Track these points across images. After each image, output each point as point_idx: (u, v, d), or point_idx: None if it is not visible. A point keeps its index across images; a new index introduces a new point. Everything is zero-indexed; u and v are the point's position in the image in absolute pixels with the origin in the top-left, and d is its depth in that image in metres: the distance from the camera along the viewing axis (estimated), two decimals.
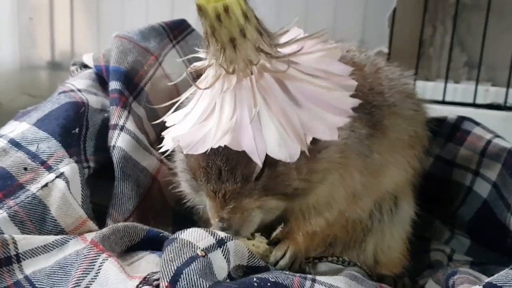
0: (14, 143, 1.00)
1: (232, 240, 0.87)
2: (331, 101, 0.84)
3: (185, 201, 1.07)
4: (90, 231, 0.95)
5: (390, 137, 1.02)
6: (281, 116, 0.82)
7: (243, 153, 0.81)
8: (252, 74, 0.82)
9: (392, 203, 1.10)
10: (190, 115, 0.87)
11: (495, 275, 0.79)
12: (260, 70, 0.83)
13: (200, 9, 0.79)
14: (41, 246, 0.88)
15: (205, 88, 0.84)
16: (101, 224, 1.02)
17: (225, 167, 0.85)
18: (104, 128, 1.14)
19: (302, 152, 0.81)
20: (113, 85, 1.19)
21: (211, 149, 0.82)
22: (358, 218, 1.07)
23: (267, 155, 0.81)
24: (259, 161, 0.81)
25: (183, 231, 0.87)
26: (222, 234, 0.87)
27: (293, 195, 0.90)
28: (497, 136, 1.25)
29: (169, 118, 0.91)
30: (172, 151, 1.00)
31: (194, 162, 0.88)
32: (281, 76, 0.83)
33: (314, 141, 0.83)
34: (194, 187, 0.95)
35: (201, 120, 0.84)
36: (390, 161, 1.03)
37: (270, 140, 0.81)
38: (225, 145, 0.81)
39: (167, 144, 0.89)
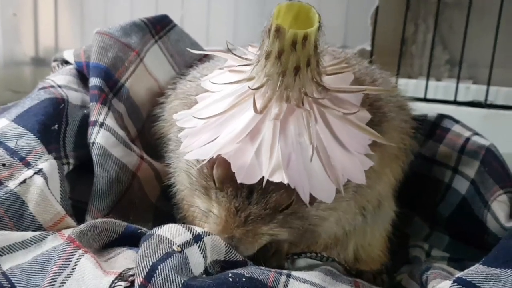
0: None
1: (209, 235, 0.88)
2: (360, 140, 0.84)
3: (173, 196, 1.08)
4: (69, 227, 0.94)
5: (385, 154, 1.01)
6: (323, 154, 0.80)
7: (281, 183, 0.79)
8: (303, 105, 0.80)
9: (375, 205, 1.11)
10: (216, 125, 0.83)
11: (465, 270, 0.80)
12: (311, 102, 0.81)
13: (278, 30, 0.77)
14: (19, 242, 0.88)
15: (260, 112, 0.79)
16: (80, 220, 1.02)
17: (259, 189, 0.82)
18: (84, 124, 1.14)
19: None
20: (93, 81, 1.19)
21: None
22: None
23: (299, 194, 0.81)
24: (307, 199, 0.79)
25: (160, 227, 0.87)
26: (199, 230, 0.88)
27: (304, 230, 0.89)
28: (476, 133, 1.26)
29: (179, 116, 0.89)
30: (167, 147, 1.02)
31: (224, 171, 0.83)
32: (325, 111, 0.82)
33: None
34: (197, 187, 0.90)
35: (239, 138, 0.80)
36: (379, 176, 1.03)
37: (313, 175, 0.80)
38: None
39: (195, 154, 0.84)
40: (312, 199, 0.83)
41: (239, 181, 0.79)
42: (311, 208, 0.86)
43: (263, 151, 0.79)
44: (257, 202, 0.83)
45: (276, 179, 0.78)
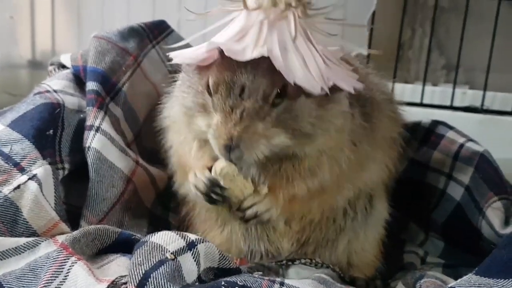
0: None
1: (202, 242, 0.88)
2: (345, 70, 0.95)
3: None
4: (63, 233, 0.94)
5: (377, 134, 1.05)
6: (307, 57, 0.89)
7: (268, 75, 0.87)
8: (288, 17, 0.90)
9: (367, 201, 1.12)
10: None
11: (459, 280, 0.80)
12: (295, 16, 0.90)
13: None
14: (12, 248, 0.88)
15: (250, 8, 0.90)
16: (75, 225, 1.02)
17: (250, 84, 0.88)
18: (80, 129, 1.15)
19: (315, 99, 0.91)
20: (90, 85, 1.19)
21: (239, 64, 0.88)
22: (332, 216, 1.08)
23: (289, 88, 0.89)
24: (290, 79, 0.86)
25: (153, 234, 0.87)
26: (192, 237, 0.88)
27: (299, 136, 0.92)
28: (470, 140, 1.27)
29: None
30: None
31: (218, 75, 0.90)
32: (310, 33, 0.92)
33: (327, 93, 0.91)
34: (195, 107, 0.95)
35: (237, 38, 0.89)
36: (373, 157, 1.06)
37: (296, 70, 0.88)
38: (251, 66, 0.87)
39: (187, 57, 0.94)
40: (299, 90, 0.90)
41: (226, 54, 0.86)
42: (305, 110, 0.91)
43: (249, 41, 0.88)
44: (249, 96, 0.88)
45: (259, 54, 0.86)
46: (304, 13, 0.91)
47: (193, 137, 1.01)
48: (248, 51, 0.87)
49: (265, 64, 0.88)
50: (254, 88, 0.88)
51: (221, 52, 0.90)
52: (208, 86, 0.92)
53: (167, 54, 0.99)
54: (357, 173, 1.04)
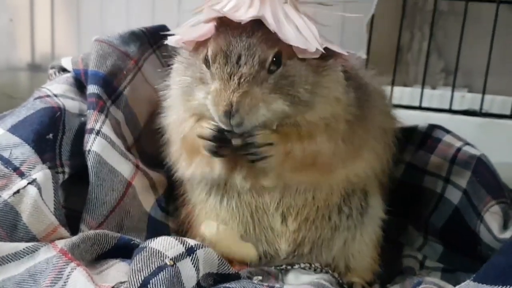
0: None
1: (202, 248, 0.88)
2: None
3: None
4: (62, 237, 0.95)
5: (370, 119, 1.07)
6: (300, 25, 0.94)
7: (263, 41, 0.92)
8: None
9: (362, 197, 1.12)
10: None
11: (457, 287, 0.80)
12: None
13: None
14: (12, 253, 0.88)
15: None
16: (75, 229, 1.02)
17: (246, 52, 0.92)
18: (81, 132, 1.15)
19: (311, 65, 0.95)
20: (91, 89, 1.19)
21: (235, 35, 0.93)
22: (327, 213, 1.09)
23: (284, 52, 0.93)
24: (285, 39, 0.90)
25: (152, 239, 0.88)
26: (192, 242, 0.88)
27: (297, 103, 0.95)
28: (467, 143, 1.27)
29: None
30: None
31: (216, 46, 0.94)
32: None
33: (322, 59, 0.96)
34: (193, 83, 0.99)
35: (231, 12, 0.94)
36: (366, 142, 1.07)
37: (289, 33, 0.92)
38: (246, 36, 0.92)
39: (186, 34, 0.98)
40: (294, 56, 0.94)
41: (222, 14, 0.91)
42: (301, 77, 0.95)
43: (242, 11, 0.93)
44: (246, 62, 0.92)
45: (252, 16, 0.90)
46: None
47: (190, 115, 1.03)
48: (242, 16, 0.92)
49: (259, 33, 0.92)
50: (250, 54, 0.92)
51: (217, 27, 0.95)
52: (205, 59, 0.96)
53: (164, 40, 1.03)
54: (351, 156, 1.04)
